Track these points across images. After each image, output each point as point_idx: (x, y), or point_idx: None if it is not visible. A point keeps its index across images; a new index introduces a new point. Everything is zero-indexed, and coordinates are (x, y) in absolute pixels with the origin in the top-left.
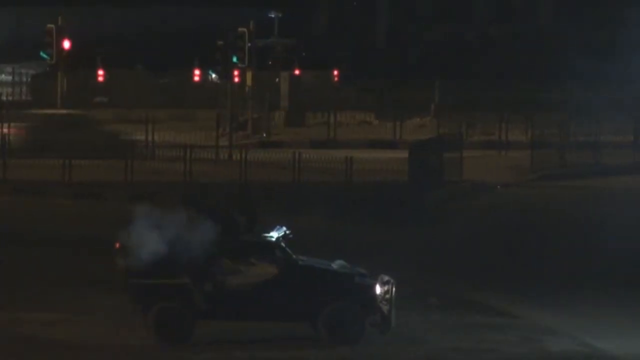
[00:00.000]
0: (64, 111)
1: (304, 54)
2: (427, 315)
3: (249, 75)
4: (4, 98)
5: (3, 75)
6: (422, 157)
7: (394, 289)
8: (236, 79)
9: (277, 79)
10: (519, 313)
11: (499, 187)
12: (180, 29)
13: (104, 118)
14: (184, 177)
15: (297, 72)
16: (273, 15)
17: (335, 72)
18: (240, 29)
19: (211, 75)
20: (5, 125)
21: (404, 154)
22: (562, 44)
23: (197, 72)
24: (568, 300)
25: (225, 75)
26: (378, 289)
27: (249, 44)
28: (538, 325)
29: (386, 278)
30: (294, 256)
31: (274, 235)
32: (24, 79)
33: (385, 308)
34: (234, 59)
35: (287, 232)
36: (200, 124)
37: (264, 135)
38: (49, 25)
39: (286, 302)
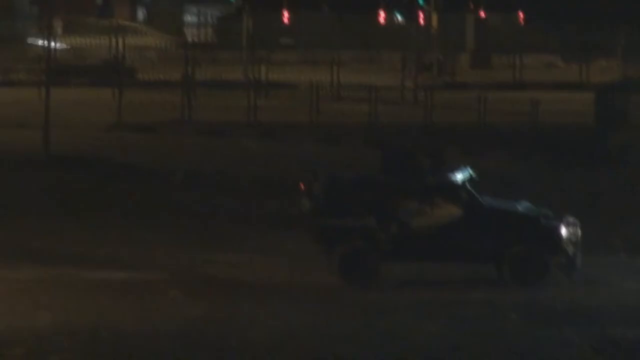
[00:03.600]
0: None
1: None
2: (612, 257)
3: (434, 16)
4: (189, 39)
5: (188, 17)
6: (608, 100)
7: (579, 231)
8: (421, 21)
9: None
10: None
11: None
12: None
13: (289, 59)
14: (369, 118)
15: (482, 14)
16: None
17: (521, 14)
18: None
19: (397, 17)
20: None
21: (589, 97)
22: None
23: (382, 13)
24: None
25: (411, 17)
26: (563, 231)
27: None
28: None
29: (571, 220)
30: (478, 197)
31: (459, 176)
32: (210, 20)
33: (570, 250)
34: (420, 1)
35: (472, 173)
36: (385, 66)
37: (449, 77)
38: None
39: (470, 244)
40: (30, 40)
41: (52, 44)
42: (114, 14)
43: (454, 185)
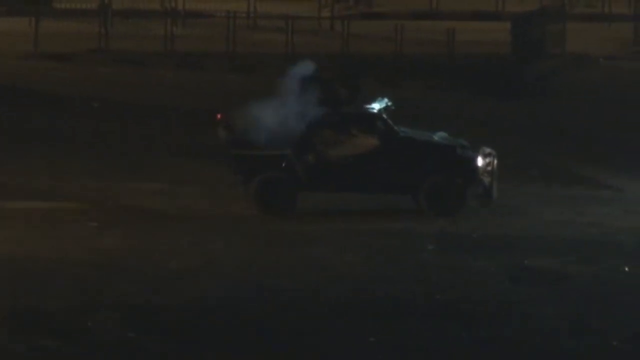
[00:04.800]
0: None
1: None
2: (529, 187)
3: None
4: None
5: None
6: (524, 30)
7: (495, 161)
8: None
9: None
10: (622, 186)
11: (601, 59)
12: None
13: None
14: (286, 48)
15: None
16: None
17: None
18: None
19: None
20: None
21: (506, 26)
22: None
23: None
24: None
25: None
26: (480, 161)
27: None
28: None
29: (488, 150)
30: (395, 128)
31: (376, 106)
32: None
33: (487, 180)
34: None
35: (389, 103)
36: None
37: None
38: None
39: (387, 174)
40: None
41: None
42: None
43: (370, 115)
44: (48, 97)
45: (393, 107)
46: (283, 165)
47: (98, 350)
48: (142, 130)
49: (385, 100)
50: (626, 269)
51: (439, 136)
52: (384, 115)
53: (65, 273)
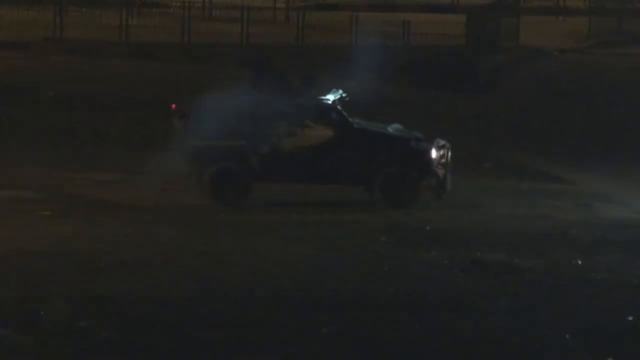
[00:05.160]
0: None
1: None
2: (482, 180)
3: None
4: None
5: None
6: (479, 23)
7: (449, 154)
8: None
9: None
10: (574, 180)
11: (555, 53)
12: None
13: None
14: (241, 38)
15: None
16: None
17: None
18: None
19: None
20: None
21: (461, 18)
22: None
23: None
24: (624, 168)
25: None
26: (434, 154)
27: None
28: (593, 192)
29: (442, 142)
30: (349, 119)
31: (330, 97)
32: None
33: (440, 172)
34: None
35: (344, 94)
36: None
37: None
38: None
39: (341, 165)
40: None
41: None
42: None
43: (324, 106)
44: (3, 86)
45: (347, 99)
46: (237, 155)
47: (49, 339)
48: (97, 120)
49: (340, 91)
50: (579, 262)
51: (393, 128)
52: (339, 107)
53: (17, 262)
